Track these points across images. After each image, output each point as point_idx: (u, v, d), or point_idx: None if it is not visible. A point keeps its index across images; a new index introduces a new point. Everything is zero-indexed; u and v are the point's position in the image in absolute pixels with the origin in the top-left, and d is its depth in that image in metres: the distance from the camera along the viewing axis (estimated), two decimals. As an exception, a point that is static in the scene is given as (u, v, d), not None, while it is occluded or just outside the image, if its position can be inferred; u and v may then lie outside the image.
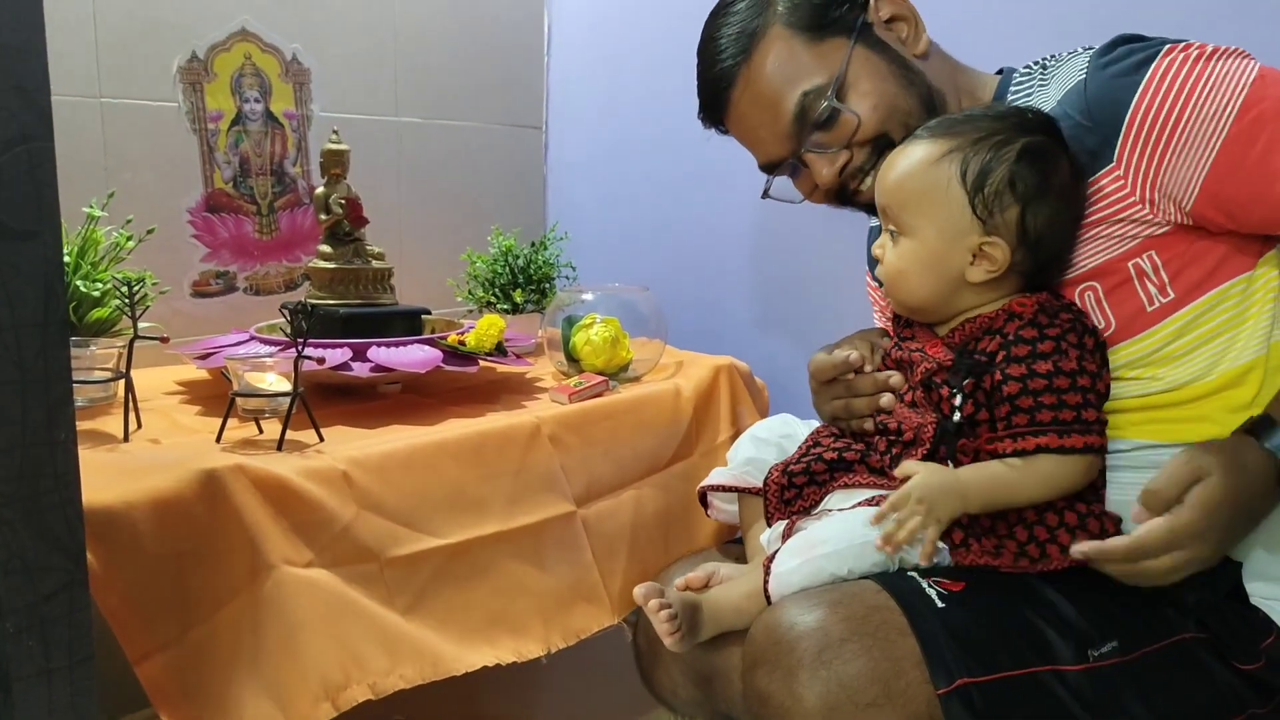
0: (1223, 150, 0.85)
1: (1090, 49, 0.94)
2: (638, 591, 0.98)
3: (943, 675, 0.79)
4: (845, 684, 0.79)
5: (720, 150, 1.80)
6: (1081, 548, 0.85)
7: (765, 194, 1.13)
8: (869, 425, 1.01)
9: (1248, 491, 0.82)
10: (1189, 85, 0.85)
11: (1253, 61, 0.86)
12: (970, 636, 0.82)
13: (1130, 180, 0.88)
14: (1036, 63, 1.02)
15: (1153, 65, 0.86)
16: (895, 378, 1.00)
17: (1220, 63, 0.85)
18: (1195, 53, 0.86)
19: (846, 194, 1.06)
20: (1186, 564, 0.83)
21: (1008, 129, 0.90)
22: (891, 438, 0.98)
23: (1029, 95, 1.00)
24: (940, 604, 0.83)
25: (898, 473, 0.92)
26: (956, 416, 0.92)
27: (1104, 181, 0.90)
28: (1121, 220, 0.90)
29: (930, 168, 0.91)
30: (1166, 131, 0.86)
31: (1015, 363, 0.89)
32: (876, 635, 0.81)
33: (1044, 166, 0.89)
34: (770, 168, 1.09)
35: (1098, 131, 0.90)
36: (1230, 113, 0.84)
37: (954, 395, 0.92)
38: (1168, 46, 0.87)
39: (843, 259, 1.52)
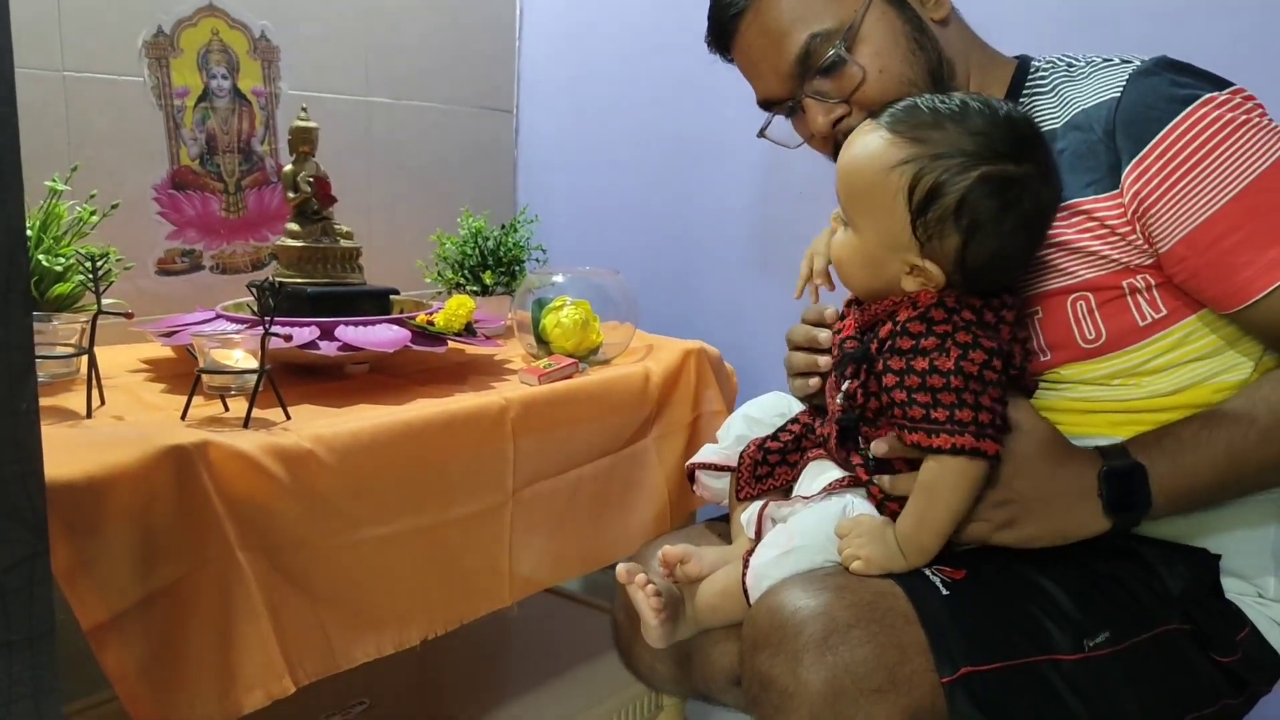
0: (1207, 223, 0.85)
1: (1128, 62, 0.91)
2: (621, 569, 0.97)
3: (947, 663, 0.79)
4: (851, 669, 0.77)
5: (693, 136, 1.82)
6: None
7: (761, 133, 1.10)
8: (816, 402, 1.00)
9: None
10: (1214, 141, 0.85)
11: None
12: (973, 625, 0.81)
13: (1130, 208, 0.88)
14: (1061, 58, 0.99)
15: (1190, 106, 0.86)
16: (822, 360, 0.98)
17: (1252, 134, 0.85)
18: (1230, 114, 0.86)
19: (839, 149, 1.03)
20: None
21: (978, 148, 0.82)
22: (824, 419, 0.97)
23: (1051, 91, 0.97)
24: (945, 591, 0.83)
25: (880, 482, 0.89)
26: (841, 405, 0.90)
27: (1107, 204, 0.89)
28: (1116, 242, 0.90)
29: (882, 172, 0.84)
30: (1175, 176, 0.86)
31: (895, 354, 0.86)
32: (882, 622, 0.80)
33: (999, 201, 0.82)
34: (768, 105, 1.06)
35: (1114, 152, 0.89)
36: (1233, 190, 0.84)
37: (842, 384, 0.91)
38: (1209, 96, 0.86)
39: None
